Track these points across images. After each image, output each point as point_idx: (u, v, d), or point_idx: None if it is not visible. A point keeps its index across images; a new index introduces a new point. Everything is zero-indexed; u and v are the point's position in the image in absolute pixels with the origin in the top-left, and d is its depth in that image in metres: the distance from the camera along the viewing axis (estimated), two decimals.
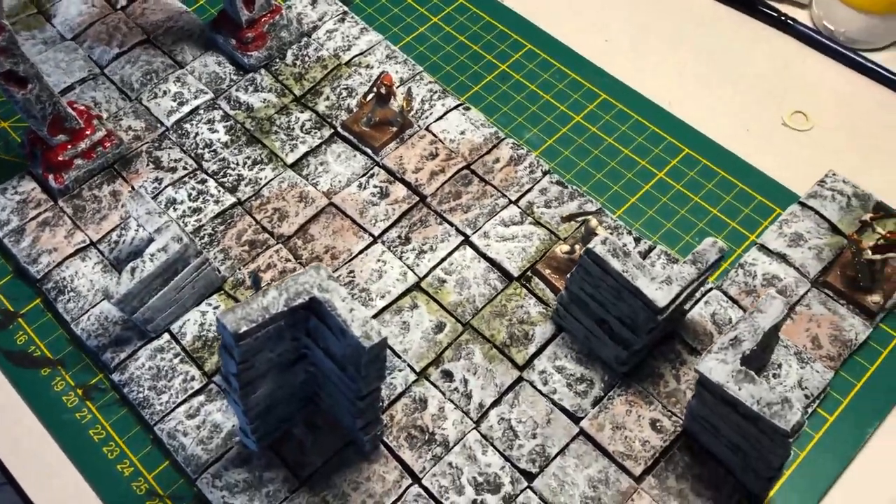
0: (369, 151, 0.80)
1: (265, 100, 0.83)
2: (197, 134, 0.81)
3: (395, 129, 0.80)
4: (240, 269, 0.73)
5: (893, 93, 0.84)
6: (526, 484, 0.63)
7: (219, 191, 0.78)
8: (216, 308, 0.71)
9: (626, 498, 0.62)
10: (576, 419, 0.65)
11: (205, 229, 0.75)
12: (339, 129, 0.81)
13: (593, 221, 0.68)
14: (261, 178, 0.78)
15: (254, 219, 0.76)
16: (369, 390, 0.57)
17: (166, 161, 0.79)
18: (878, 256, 0.67)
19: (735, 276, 0.72)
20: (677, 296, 0.60)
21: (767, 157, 0.80)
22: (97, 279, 0.72)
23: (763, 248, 0.73)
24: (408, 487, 0.63)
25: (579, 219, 0.69)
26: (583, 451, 0.64)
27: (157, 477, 0.65)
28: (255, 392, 0.57)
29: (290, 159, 0.80)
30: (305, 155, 0.80)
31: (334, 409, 0.63)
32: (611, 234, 0.73)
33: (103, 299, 0.70)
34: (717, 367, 0.57)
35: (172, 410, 0.66)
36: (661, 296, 0.60)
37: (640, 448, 0.64)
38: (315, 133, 0.81)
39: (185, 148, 0.80)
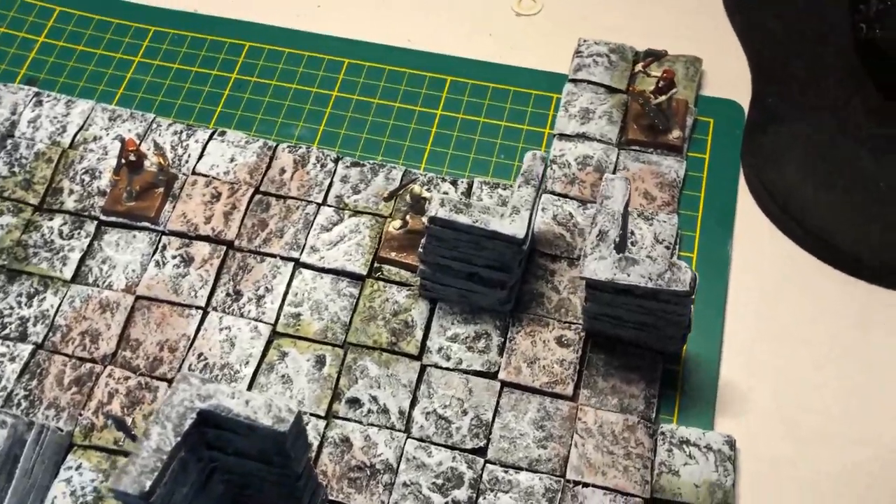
0: (147, 225, 0.71)
1: (3, 226, 0.71)
2: None
3: (161, 189, 0.72)
4: (80, 413, 0.64)
5: None
6: (482, 460, 0.61)
7: (8, 346, 0.66)
8: (79, 468, 0.62)
9: (572, 420, 0.62)
10: (492, 375, 0.64)
11: (16, 394, 0.65)
12: (103, 216, 0.72)
13: (415, 187, 0.65)
14: (47, 310, 0.68)
15: (64, 356, 0.66)
16: (303, 467, 0.52)
17: None
18: (663, 97, 0.71)
19: (552, 173, 0.73)
20: (530, 219, 0.60)
21: (520, 52, 0.81)
22: None
23: (562, 136, 0.75)
24: None
25: (401, 192, 0.67)
26: (514, 401, 0.63)
27: None
28: None
29: (68, 274, 0.70)
30: (82, 261, 0.70)
31: (269, 502, 0.57)
32: (430, 189, 0.71)
33: None
34: (599, 265, 0.57)
35: None
36: (517, 228, 0.59)
37: (561, 369, 0.64)
38: (79, 234, 0.71)
39: None
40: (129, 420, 0.62)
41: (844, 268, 0.69)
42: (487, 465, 0.61)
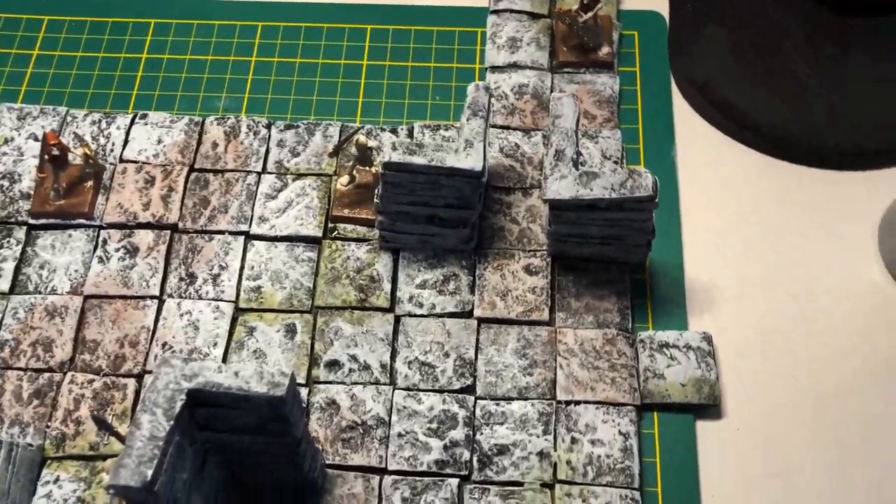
0: (83, 221, 0.68)
1: None
2: None
3: (90, 183, 0.68)
4: (48, 426, 0.61)
5: None
6: (472, 397, 0.61)
7: None
8: (57, 481, 0.59)
9: (553, 343, 0.63)
10: (467, 314, 0.64)
11: None
12: (31, 220, 0.68)
13: (360, 138, 0.64)
14: None
15: (18, 370, 0.63)
16: (302, 431, 0.51)
17: None
18: (589, 14, 0.70)
19: (491, 106, 0.72)
20: (485, 151, 0.59)
21: None
22: None
23: (494, 69, 0.74)
24: (380, 484, 0.59)
25: (346, 145, 0.65)
26: (493, 335, 0.63)
27: None
28: None
29: (5, 286, 0.66)
30: (17, 271, 0.66)
31: (266, 477, 0.56)
32: (372, 137, 0.69)
33: None
34: (561, 184, 0.57)
35: None
36: (474, 161, 0.58)
37: (533, 297, 0.64)
38: (8, 242, 0.67)
39: None
40: (109, 419, 0.59)
41: (778, 153, 0.71)
42: (478, 401, 0.61)
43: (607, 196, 0.56)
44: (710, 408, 0.61)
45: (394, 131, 0.71)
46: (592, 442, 0.59)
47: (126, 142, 0.71)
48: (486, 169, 0.59)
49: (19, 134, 0.72)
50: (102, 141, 0.71)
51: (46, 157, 0.65)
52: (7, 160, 0.70)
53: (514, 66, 0.74)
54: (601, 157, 0.69)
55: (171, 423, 0.44)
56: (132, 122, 0.72)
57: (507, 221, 0.67)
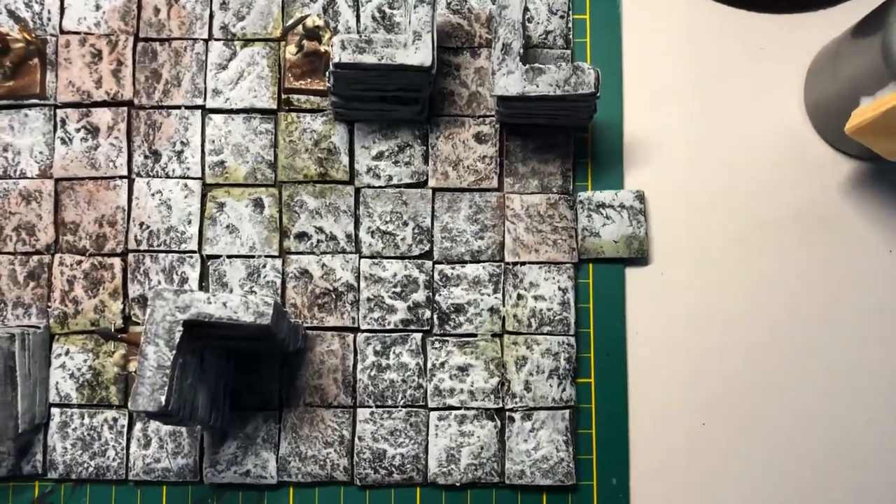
0: (36, 101, 0.68)
1: None
2: None
3: (36, 60, 0.68)
4: (48, 306, 0.67)
5: None
6: (430, 262, 0.68)
7: None
8: (68, 353, 0.67)
9: (501, 208, 0.69)
10: (423, 184, 0.69)
11: None
12: None
13: (309, 20, 0.63)
14: None
15: (8, 254, 0.68)
16: (286, 334, 0.58)
17: None
18: None
19: None
20: (433, 41, 0.60)
21: None
22: None
23: None
24: (354, 341, 0.68)
25: (296, 27, 0.65)
26: (447, 202, 0.69)
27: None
28: (199, 412, 0.58)
29: None
30: None
31: (258, 353, 0.64)
32: (319, 20, 0.68)
33: None
34: (508, 80, 0.60)
35: (128, 454, 0.66)
36: (423, 56, 0.60)
37: (484, 165, 0.69)
38: None
39: None
40: (108, 326, 0.66)
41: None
42: (436, 265, 0.69)
43: (552, 93, 0.59)
44: (639, 259, 0.70)
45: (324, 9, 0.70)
46: (535, 298, 0.68)
47: (62, 9, 0.69)
48: (435, 60, 0.61)
49: None
50: (36, 8, 0.69)
51: None
52: None
53: None
54: (548, 12, 0.70)
55: (174, 352, 0.51)
56: None
57: (456, 85, 0.70)
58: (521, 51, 0.59)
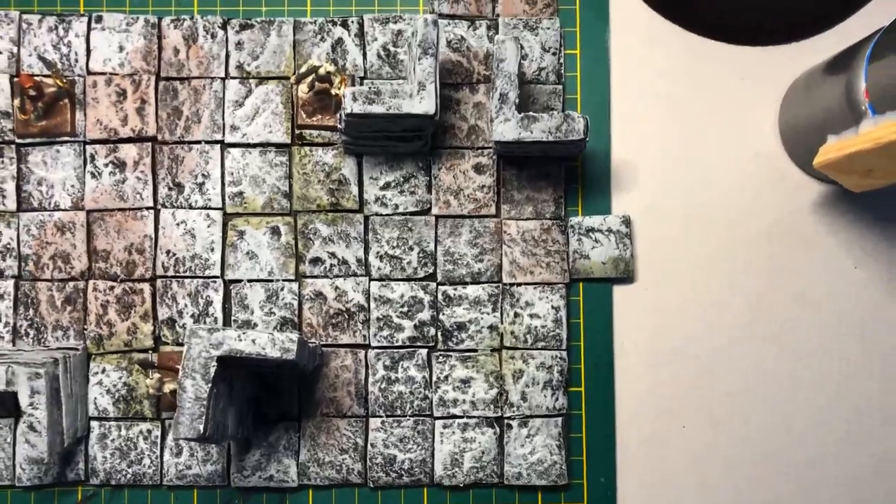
0: (67, 138, 0.74)
1: None
2: None
3: (66, 100, 0.73)
4: (84, 328, 0.73)
5: None
6: (434, 283, 0.75)
7: None
8: (104, 371, 0.73)
9: (500, 232, 0.75)
10: (426, 211, 0.75)
11: (21, 326, 0.73)
12: (18, 140, 0.73)
13: (321, 69, 0.69)
14: (9, 243, 0.73)
15: (46, 281, 0.74)
16: (307, 360, 0.65)
17: None
18: None
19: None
20: (436, 90, 0.66)
21: None
22: None
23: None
24: (366, 356, 0.74)
25: (308, 76, 0.70)
26: (449, 228, 0.75)
27: None
28: (228, 429, 0.65)
29: (11, 205, 0.74)
30: (18, 189, 0.74)
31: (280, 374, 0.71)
32: (329, 62, 0.73)
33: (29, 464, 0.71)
34: (505, 127, 0.65)
35: (162, 462, 0.73)
36: (427, 105, 0.65)
37: (483, 194, 0.75)
38: (2, 162, 0.73)
39: None
40: (146, 355, 0.72)
41: (707, 32, 0.77)
42: (439, 287, 0.75)
43: (545, 139, 0.65)
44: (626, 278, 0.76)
45: (345, 25, 0.75)
46: (531, 316, 0.74)
47: (89, 52, 0.74)
48: (439, 107, 0.66)
49: None
50: (64, 50, 0.74)
51: (26, 97, 0.69)
52: None
53: None
54: (541, 50, 0.75)
55: (210, 385, 0.58)
56: (89, 29, 0.74)
57: (456, 119, 0.75)
58: (517, 100, 0.65)
